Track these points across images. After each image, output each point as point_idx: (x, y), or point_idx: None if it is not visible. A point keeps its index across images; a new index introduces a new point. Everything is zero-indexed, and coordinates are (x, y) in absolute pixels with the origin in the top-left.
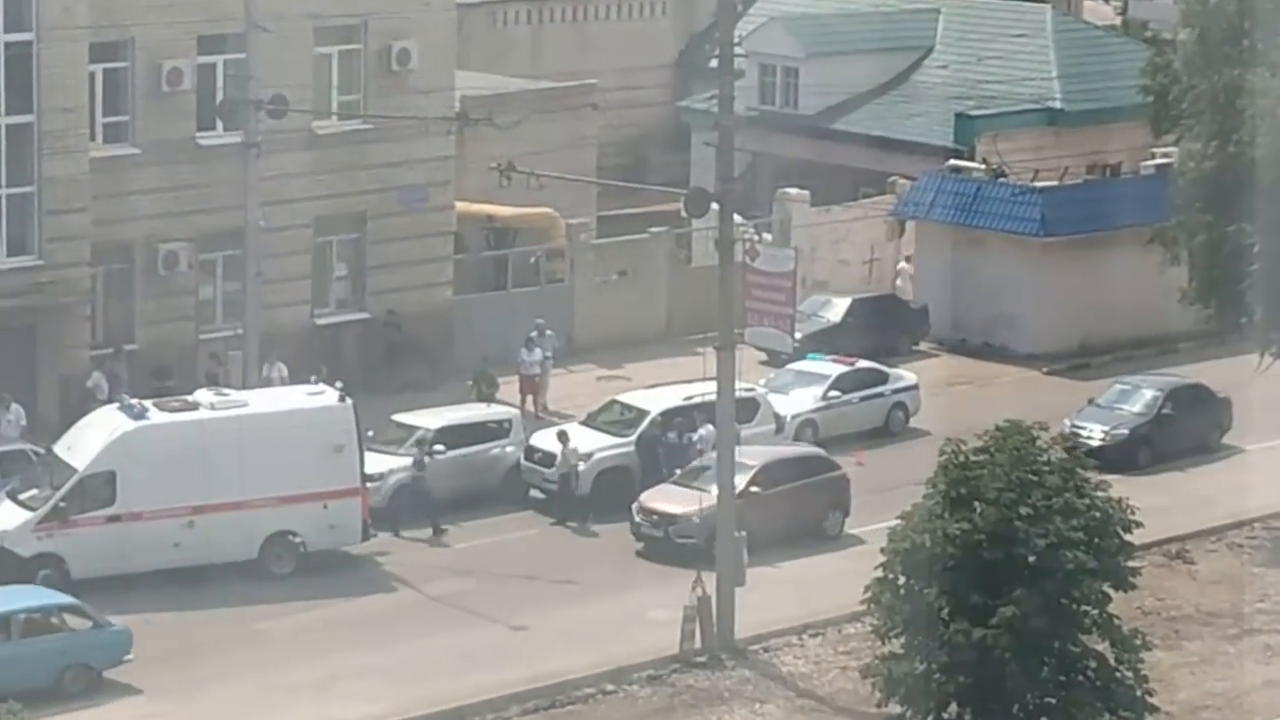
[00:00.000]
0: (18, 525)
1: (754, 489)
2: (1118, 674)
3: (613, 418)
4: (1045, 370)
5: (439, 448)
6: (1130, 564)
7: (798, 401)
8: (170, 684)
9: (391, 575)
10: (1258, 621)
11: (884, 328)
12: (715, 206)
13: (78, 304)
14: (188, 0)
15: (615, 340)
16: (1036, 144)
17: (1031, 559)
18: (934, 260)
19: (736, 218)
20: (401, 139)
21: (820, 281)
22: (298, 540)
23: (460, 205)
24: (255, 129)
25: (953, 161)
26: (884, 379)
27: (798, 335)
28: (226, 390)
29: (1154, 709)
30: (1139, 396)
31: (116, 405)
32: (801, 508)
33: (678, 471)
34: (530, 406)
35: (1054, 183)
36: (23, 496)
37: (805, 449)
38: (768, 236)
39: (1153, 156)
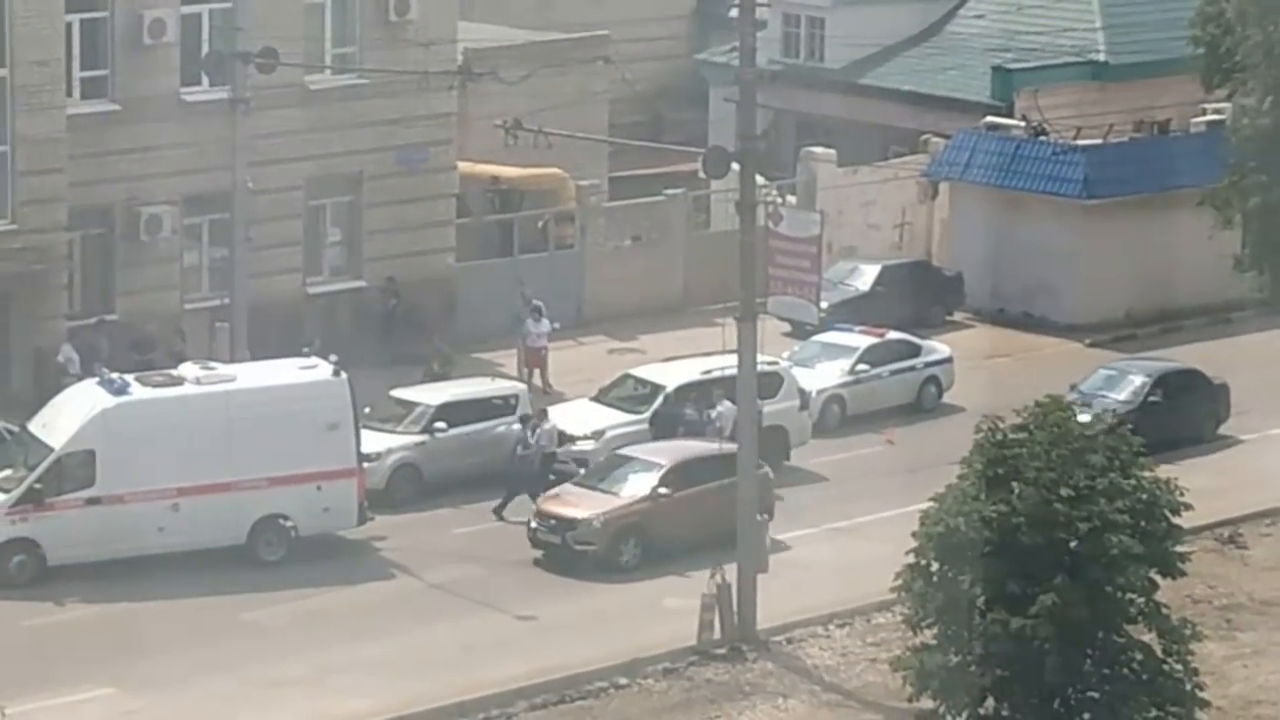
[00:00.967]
0: None
1: (662, 491)
2: (1165, 666)
3: (626, 393)
4: (1088, 342)
5: (440, 425)
6: (1179, 549)
7: (824, 376)
8: (151, 678)
9: (389, 561)
10: None
11: (916, 296)
12: (735, 167)
13: (53, 271)
14: None
15: (628, 310)
16: (1079, 99)
17: (1073, 544)
18: (970, 224)
19: (758, 179)
20: (400, 95)
21: (848, 247)
22: (289, 524)
23: (463, 166)
24: (243, 84)
25: (990, 118)
26: (916, 351)
27: (824, 305)
28: (213, 364)
29: (1205, 703)
30: (1125, 383)
31: (96, 380)
32: (717, 512)
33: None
34: (537, 381)
35: (1098, 141)
36: None
37: (723, 447)
38: (792, 199)
39: (1204, 113)
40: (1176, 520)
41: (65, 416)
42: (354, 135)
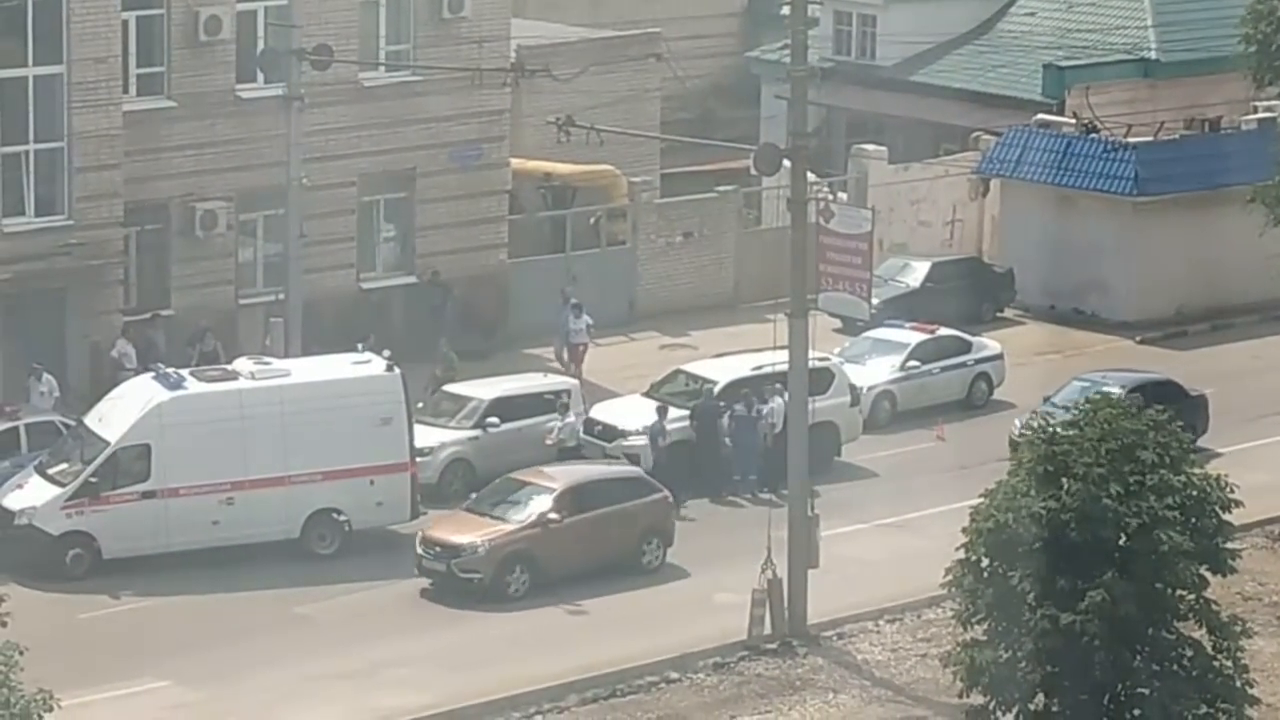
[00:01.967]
0: (46, 502)
1: (553, 516)
2: (1216, 663)
3: (677, 389)
4: (1138, 339)
5: (493, 420)
6: (1229, 546)
7: (874, 372)
8: (205, 671)
9: None
10: None
11: (967, 293)
12: (787, 164)
13: (109, 267)
14: None
15: (680, 306)
16: (1130, 97)
17: (1123, 540)
18: (1020, 221)
19: (809, 176)
20: (453, 92)
21: (898, 243)
22: (342, 518)
23: (515, 162)
24: (298, 81)
25: (1041, 116)
26: (966, 348)
27: (874, 301)
28: (268, 359)
29: (1255, 700)
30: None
31: (151, 375)
32: (612, 537)
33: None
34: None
35: (1149, 138)
36: (52, 471)
37: (621, 470)
38: (843, 196)
39: (1254, 110)
40: (1227, 517)
41: (121, 411)
42: (407, 132)
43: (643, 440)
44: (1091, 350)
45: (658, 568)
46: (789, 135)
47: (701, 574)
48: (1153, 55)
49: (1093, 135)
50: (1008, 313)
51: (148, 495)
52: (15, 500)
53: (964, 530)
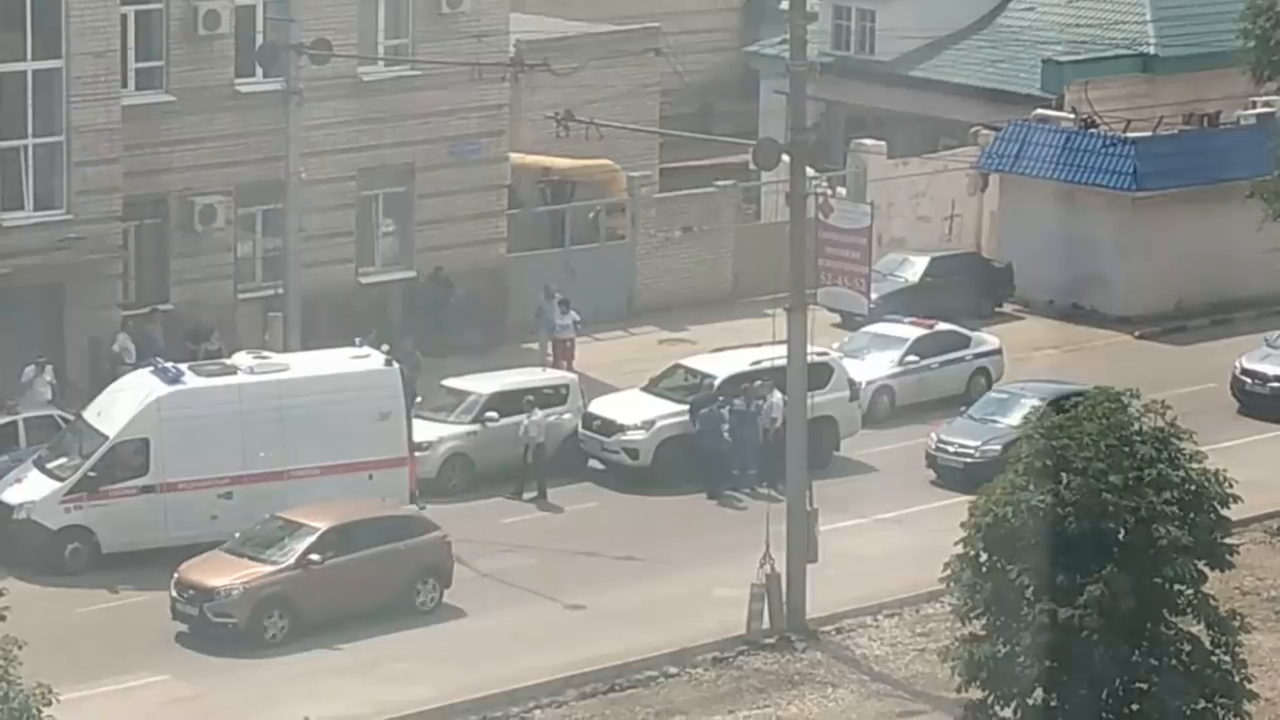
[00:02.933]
0: (45, 496)
1: (314, 557)
2: (1214, 658)
3: (676, 383)
4: (1138, 334)
5: (492, 414)
6: (1227, 540)
7: (873, 366)
8: (204, 665)
9: None
10: None
11: (965, 288)
12: (786, 158)
13: (108, 261)
14: None
15: (679, 301)
16: (1129, 92)
17: (1121, 534)
18: (1019, 216)
19: (808, 170)
20: (452, 86)
21: (897, 238)
22: None
23: (515, 157)
24: (297, 75)
25: (1040, 111)
26: (965, 342)
27: (873, 296)
28: (266, 353)
29: (1253, 695)
30: (1017, 407)
31: (150, 369)
32: (381, 579)
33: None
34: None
35: (1148, 133)
36: (50, 465)
37: (396, 509)
38: (842, 190)
39: (1254, 105)
40: (1225, 511)
41: (119, 405)
42: (406, 126)
43: (642, 434)
44: (1090, 346)
45: (432, 609)
46: (788, 130)
47: (700, 568)
48: (1152, 50)
49: (1092, 130)
50: (1007, 308)
51: (146, 489)
52: (14, 494)
53: (962, 525)
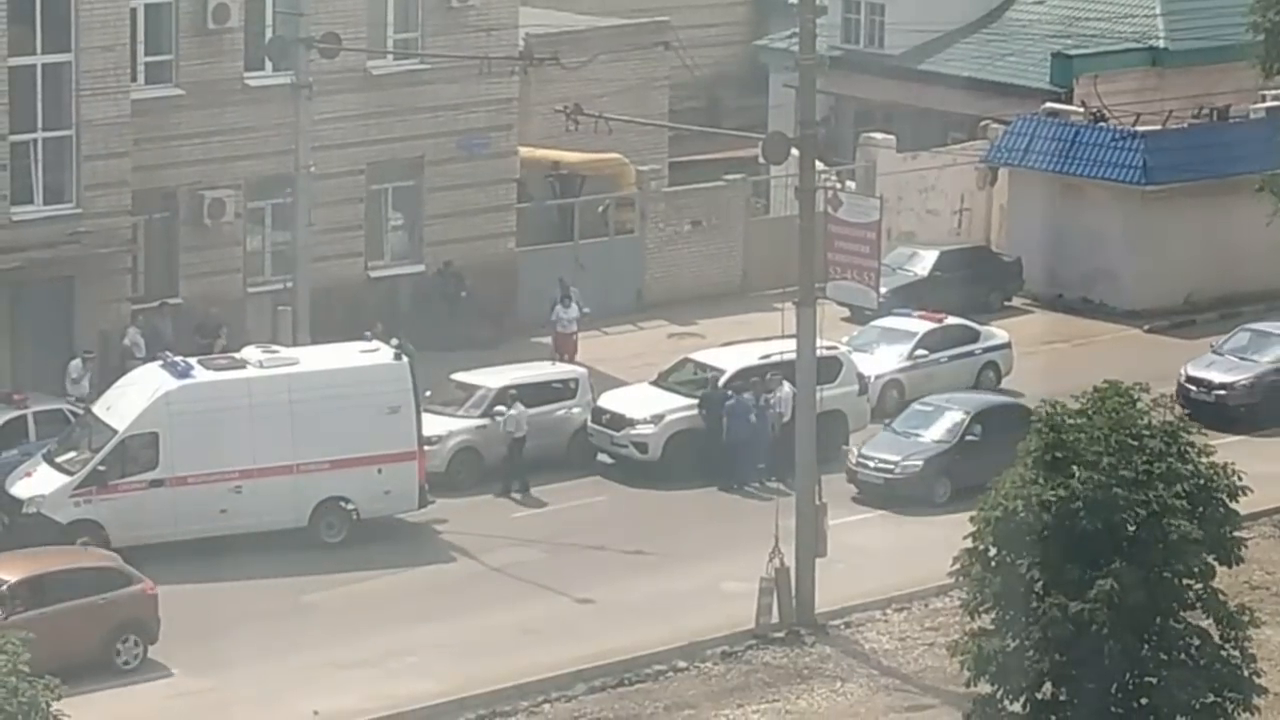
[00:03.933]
0: (55, 490)
1: None
2: (1223, 652)
3: (685, 377)
4: (1147, 328)
5: (501, 409)
6: (1237, 534)
7: (882, 360)
8: (213, 659)
9: (449, 544)
10: None
11: (975, 282)
12: (795, 152)
13: (118, 255)
14: None
15: (688, 295)
16: (1139, 85)
17: (1131, 528)
18: (1028, 210)
19: (818, 164)
20: (461, 80)
21: (907, 232)
22: (350, 507)
23: (524, 151)
24: (306, 69)
25: (1049, 104)
26: (974, 336)
27: (883, 290)
28: (275, 347)
29: (1262, 690)
30: (940, 420)
31: (159, 363)
32: (74, 635)
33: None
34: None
35: (1157, 127)
36: (60, 459)
37: (97, 559)
38: (851, 184)
39: (1263, 99)
40: (1234, 505)
41: (129, 399)
42: (415, 120)
43: (651, 428)
44: (1099, 340)
45: (135, 667)
46: (797, 124)
47: (709, 562)
48: (1161, 44)
49: (1101, 124)
50: (1015, 301)
51: (156, 484)
52: (24, 488)
53: (972, 519)
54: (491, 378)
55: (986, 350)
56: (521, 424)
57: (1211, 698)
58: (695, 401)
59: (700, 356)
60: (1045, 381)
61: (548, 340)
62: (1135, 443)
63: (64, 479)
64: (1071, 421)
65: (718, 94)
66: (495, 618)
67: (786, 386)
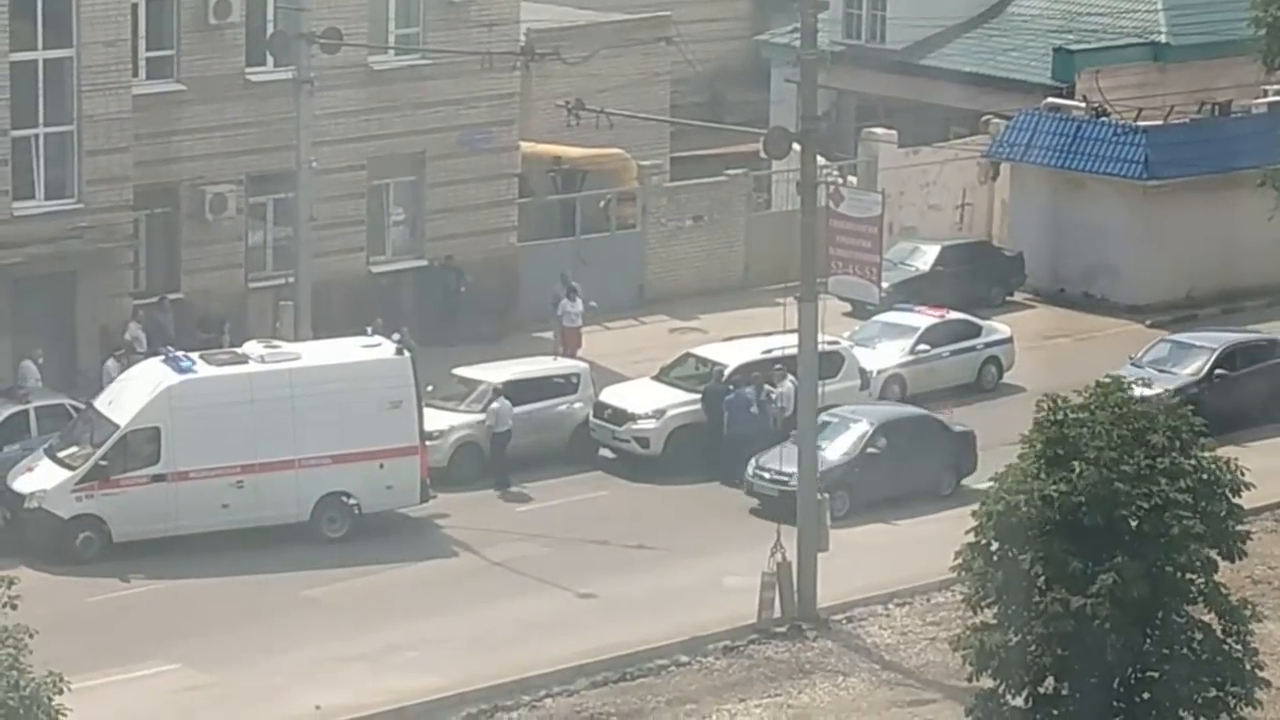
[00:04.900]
0: (56, 485)
1: None
2: (1225, 646)
3: (687, 372)
4: (1149, 323)
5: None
6: (1240, 529)
7: (884, 355)
8: (215, 654)
9: (451, 539)
10: None
11: (976, 277)
12: (796, 147)
13: (119, 250)
14: None
15: (689, 290)
16: (1141, 80)
17: (1134, 523)
18: (1030, 205)
19: (819, 159)
20: (463, 75)
21: (908, 227)
22: (352, 502)
23: (525, 146)
24: (308, 64)
25: (1051, 99)
26: (976, 331)
27: (884, 285)
28: (277, 342)
29: (1264, 683)
30: (844, 432)
31: (161, 358)
32: None
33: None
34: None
35: (1159, 122)
36: (62, 454)
37: None
38: (853, 179)
39: (1265, 94)
40: (1237, 500)
41: (131, 394)
42: (417, 115)
43: (652, 423)
44: (1101, 334)
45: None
46: (799, 119)
47: (711, 557)
48: (1163, 38)
49: (1103, 119)
50: (1017, 296)
51: (157, 478)
52: (25, 483)
53: (974, 513)
54: (493, 373)
55: (988, 345)
56: (504, 419)
57: (1213, 692)
58: (697, 397)
59: (702, 351)
60: (1048, 376)
61: (549, 335)
62: (1138, 438)
63: (66, 474)
64: (1073, 416)
65: (719, 89)
66: (497, 612)
67: (789, 381)
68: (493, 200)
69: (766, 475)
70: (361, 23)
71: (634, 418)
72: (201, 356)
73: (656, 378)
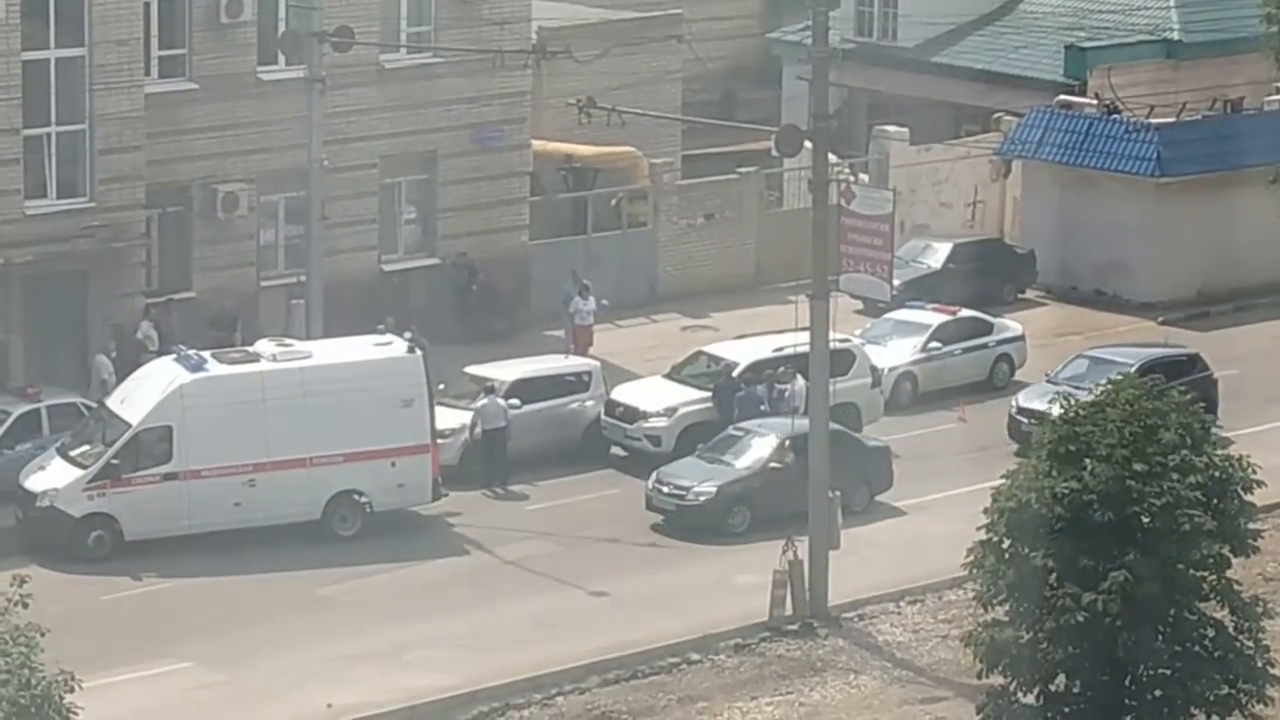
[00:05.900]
0: (68, 484)
1: None
2: (1237, 643)
3: (699, 370)
4: (1160, 320)
5: (514, 402)
6: (1251, 526)
7: (896, 353)
8: (228, 652)
9: (463, 537)
10: None
11: (988, 274)
12: (808, 145)
13: (131, 249)
14: None
15: (701, 288)
16: (1153, 78)
17: (1145, 520)
18: (1042, 202)
19: (831, 157)
20: (474, 73)
21: (920, 225)
22: (364, 500)
23: (537, 144)
24: (319, 63)
25: (1062, 96)
26: (988, 329)
27: (896, 282)
28: (289, 341)
29: (1276, 680)
30: (751, 446)
31: (173, 356)
32: None
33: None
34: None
35: (1171, 119)
36: (74, 453)
37: None
38: (864, 177)
39: (1277, 91)
40: (1249, 497)
41: (143, 393)
42: (428, 113)
43: (664, 421)
44: (1112, 332)
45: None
46: (810, 116)
47: (723, 555)
48: (1175, 36)
49: (1115, 116)
50: (1029, 294)
51: (169, 477)
52: (37, 482)
53: (985, 511)
54: (504, 371)
55: (1000, 343)
56: (493, 417)
57: (1225, 689)
58: (708, 394)
59: (713, 349)
60: None
61: (561, 333)
62: (1149, 435)
63: (78, 472)
64: (1085, 414)
65: (731, 87)
66: (508, 610)
67: (800, 379)
68: (504, 198)
69: (665, 489)
70: (373, 21)
71: (645, 415)
72: (213, 355)
73: (668, 376)
